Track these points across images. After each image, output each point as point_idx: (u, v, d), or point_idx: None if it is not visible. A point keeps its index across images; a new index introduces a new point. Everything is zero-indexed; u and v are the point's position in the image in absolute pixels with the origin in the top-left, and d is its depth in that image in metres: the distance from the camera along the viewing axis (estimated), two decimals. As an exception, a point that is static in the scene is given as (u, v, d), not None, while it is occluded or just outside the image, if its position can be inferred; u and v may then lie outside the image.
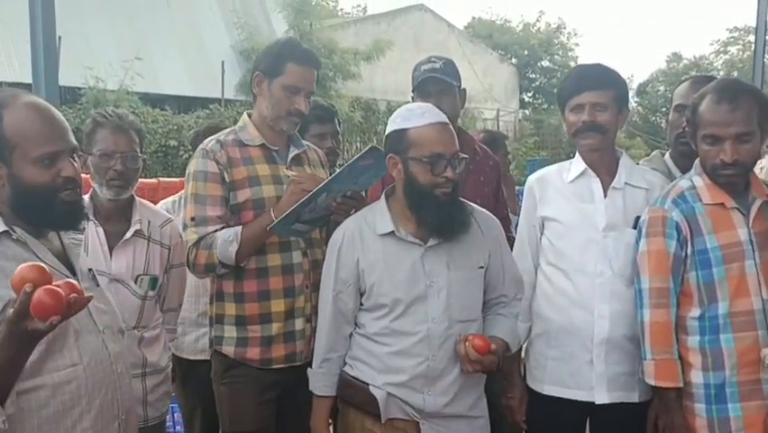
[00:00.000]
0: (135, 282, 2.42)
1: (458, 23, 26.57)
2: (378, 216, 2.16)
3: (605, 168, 2.36)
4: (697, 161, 2.23)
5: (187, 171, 2.41)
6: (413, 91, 2.74)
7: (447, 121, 2.10)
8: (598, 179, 2.35)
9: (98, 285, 1.78)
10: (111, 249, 2.40)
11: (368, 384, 2.13)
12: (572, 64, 25.58)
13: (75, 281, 1.40)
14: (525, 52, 30.42)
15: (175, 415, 3.51)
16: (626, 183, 2.34)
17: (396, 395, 2.11)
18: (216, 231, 2.29)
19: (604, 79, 2.32)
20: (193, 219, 2.31)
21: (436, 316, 2.09)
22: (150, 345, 2.47)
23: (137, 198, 2.52)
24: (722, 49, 30.71)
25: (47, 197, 1.57)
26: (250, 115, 2.46)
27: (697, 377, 2.13)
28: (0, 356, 1.35)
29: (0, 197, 1.58)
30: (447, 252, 2.12)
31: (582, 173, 2.37)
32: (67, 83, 11.36)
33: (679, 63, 30.28)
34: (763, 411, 2.09)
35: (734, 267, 2.10)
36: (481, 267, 2.18)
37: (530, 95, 31.50)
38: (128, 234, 2.42)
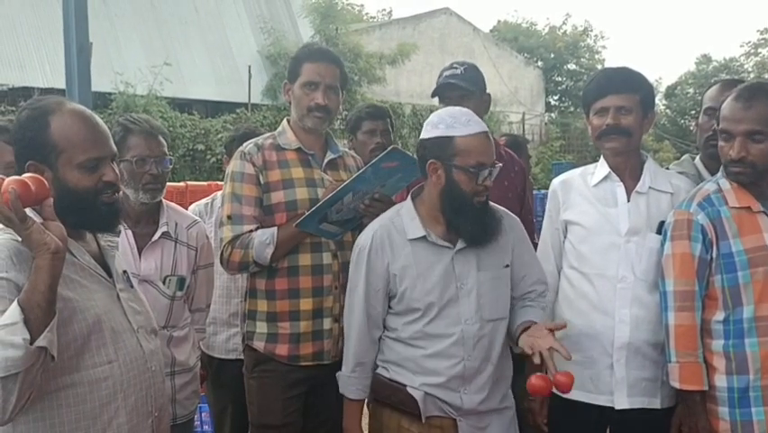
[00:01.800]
0: (163, 283, 2.48)
1: (483, 27, 26.62)
2: (406, 220, 2.18)
3: (629, 172, 2.35)
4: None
5: (226, 172, 2.50)
6: (432, 96, 2.78)
7: (488, 129, 2.13)
8: (621, 183, 2.34)
9: (132, 286, 1.84)
10: (140, 251, 2.47)
11: (405, 385, 2.15)
12: (599, 67, 25.31)
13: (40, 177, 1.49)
14: (551, 55, 30.24)
15: (203, 414, 3.56)
16: (650, 187, 2.33)
17: (433, 395, 2.13)
18: (252, 231, 2.36)
19: (629, 83, 2.31)
20: (230, 217, 2.39)
21: (469, 317, 2.11)
22: (178, 344, 2.52)
23: (164, 200, 2.58)
24: (752, 50, 30.23)
25: (89, 200, 1.63)
26: (289, 121, 2.53)
27: (721, 381, 2.12)
28: (38, 280, 1.42)
29: None
30: (476, 253, 2.15)
31: (606, 177, 2.36)
32: (97, 88, 11.54)
33: (708, 65, 29.83)
34: (787, 416, 2.07)
35: (759, 271, 2.08)
36: (507, 265, 2.21)
37: (556, 98, 31.33)
38: (156, 236, 2.48)
